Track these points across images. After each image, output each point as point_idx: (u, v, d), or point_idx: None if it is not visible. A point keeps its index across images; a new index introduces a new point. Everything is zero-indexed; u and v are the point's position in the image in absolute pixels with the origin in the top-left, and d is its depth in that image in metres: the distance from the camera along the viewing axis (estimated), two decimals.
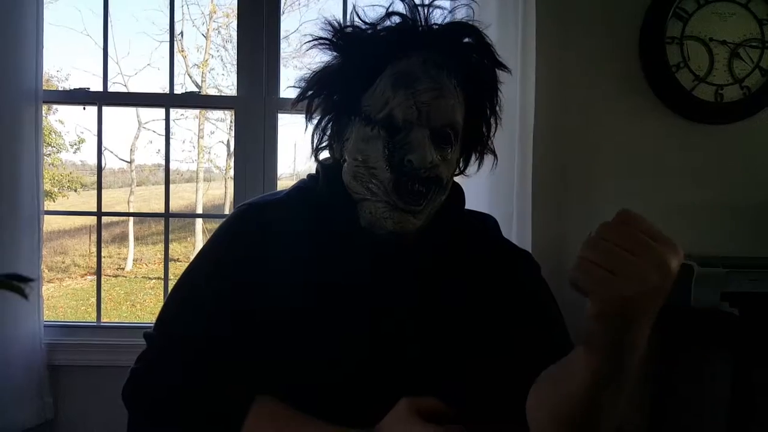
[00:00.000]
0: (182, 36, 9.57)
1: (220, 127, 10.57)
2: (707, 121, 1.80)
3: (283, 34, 1.81)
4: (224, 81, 10.10)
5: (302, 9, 9.22)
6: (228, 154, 10.10)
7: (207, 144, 10.61)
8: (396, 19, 0.82)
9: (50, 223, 8.85)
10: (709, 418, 1.75)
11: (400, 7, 0.82)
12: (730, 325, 1.52)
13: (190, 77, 9.90)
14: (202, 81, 9.89)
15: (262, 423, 0.72)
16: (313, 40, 0.84)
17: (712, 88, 1.78)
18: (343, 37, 0.83)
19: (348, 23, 0.83)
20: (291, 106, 0.88)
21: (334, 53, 0.84)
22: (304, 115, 0.87)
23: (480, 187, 1.62)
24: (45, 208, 1.65)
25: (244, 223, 0.85)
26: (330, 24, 0.83)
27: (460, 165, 0.90)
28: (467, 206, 0.96)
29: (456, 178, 0.90)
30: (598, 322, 0.53)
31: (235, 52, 1.79)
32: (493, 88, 0.86)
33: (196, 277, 0.84)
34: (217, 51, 10.31)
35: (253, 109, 1.76)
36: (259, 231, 0.83)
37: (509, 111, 1.62)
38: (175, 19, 1.90)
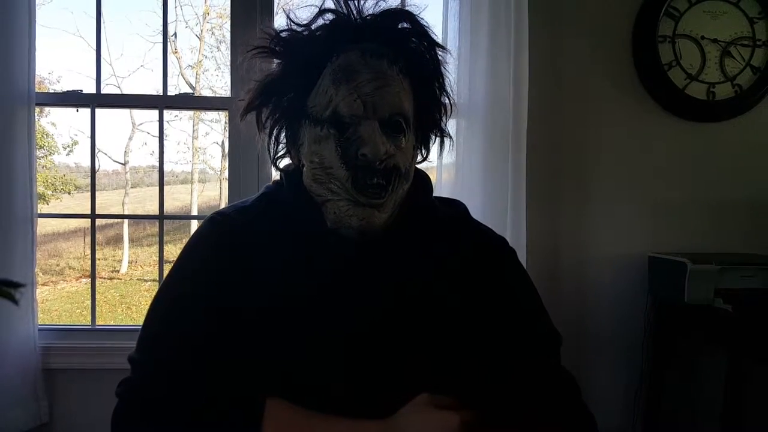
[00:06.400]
0: (176, 37, 9.54)
1: (215, 128, 10.54)
2: (699, 119, 1.81)
3: None
4: (218, 82, 10.07)
5: (296, 9, 9.20)
6: (222, 155, 10.06)
7: (201, 145, 10.57)
8: (329, 16, 0.82)
9: (44, 225, 8.79)
10: (704, 413, 1.76)
11: (331, 4, 0.82)
12: (724, 322, 1.53)
13: (184, 78, 9.87)
14: (195, 82, 9.86)
15: (282, 427, 0.71)
16: (252, 50, 0.83)
17: (704, 86, 1.79)
18: (280, 43, 0.83)
19: (283, 28, 0.83)
20: (240, 119, 0.87)
21: (276, 60, 0.84)
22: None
23: (474, 183, 1.62)
24: (38, 211, 1.65)
25: (213, 232, 0.84)
26: (266, 33, 0.83)
27: (422, 152, 0.89)
28: (469, 207, 0.95)
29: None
30: None
31: (229, 52, 1.79)
32: (436, 69, 0.85)
33: (173, 292, 0.82)
34: (211, 52, 10.28)
35: None
36: (228, 237, 0.82)
37: (502, 108, 1.64)
38: (169, 20, 1.89)
